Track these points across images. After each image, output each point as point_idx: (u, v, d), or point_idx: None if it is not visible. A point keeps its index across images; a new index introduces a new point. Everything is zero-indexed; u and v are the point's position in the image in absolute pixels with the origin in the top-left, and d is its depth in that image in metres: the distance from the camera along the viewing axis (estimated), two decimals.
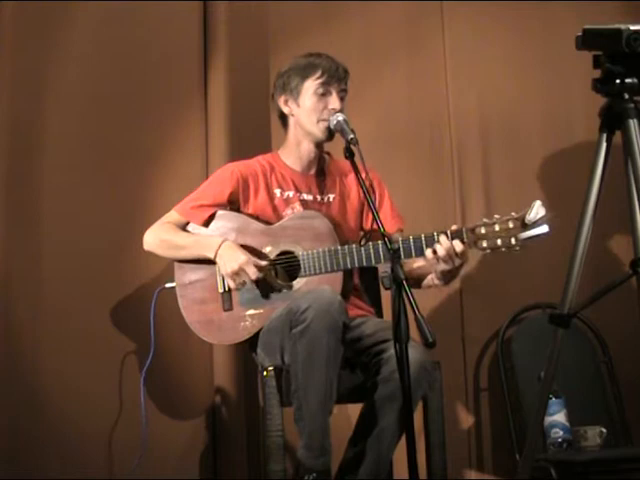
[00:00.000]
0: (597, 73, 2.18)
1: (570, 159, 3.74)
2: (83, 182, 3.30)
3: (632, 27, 2.07)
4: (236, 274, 2.79)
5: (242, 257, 2.80)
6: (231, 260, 2.80)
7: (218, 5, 3.61)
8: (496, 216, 2.63)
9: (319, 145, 2.96)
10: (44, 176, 3.24)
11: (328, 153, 3.01)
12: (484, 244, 2.63)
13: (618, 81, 2.13)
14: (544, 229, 2.55)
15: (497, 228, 2.61)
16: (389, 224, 2.92)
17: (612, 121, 2.17)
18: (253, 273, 2.78)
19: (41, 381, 3.14)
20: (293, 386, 2.63)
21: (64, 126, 3.29)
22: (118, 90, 3.41)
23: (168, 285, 2.99)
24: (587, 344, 3.61)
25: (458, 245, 2.63)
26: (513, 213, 2.60)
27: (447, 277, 2.76)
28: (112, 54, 3.41)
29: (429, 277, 2.83)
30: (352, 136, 2.69)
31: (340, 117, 2.82)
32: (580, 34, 2.15)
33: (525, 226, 2.57)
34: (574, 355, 3.47)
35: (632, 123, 2.13)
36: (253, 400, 3.24)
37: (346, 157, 2.69)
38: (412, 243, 2.67)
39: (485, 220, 2.64)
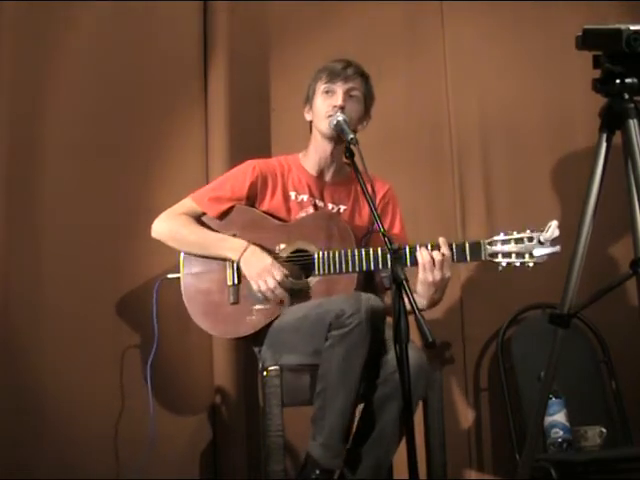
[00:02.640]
0: (597, 73, 2.18)
1: (570, 159, 3.74)
2: (83, 181, 3.31)
3: (632, 27, 2.07)
4: (262, 277, 2.80)
5: (267, 260, 2.82)
6: (257, 264, 2.82)
7: (218, 5, 3.61)
8: (513, 232, 2.74)
9: (335, 150, 2.95)
10: (45, 174, 3.24)
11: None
12: (499, 258, 2.73)
13: (618, 81, 2.13)
14: (557, 249, 2.70)
15: (513, 243, 2.73)
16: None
17: (612, 121, 2.17)
18: (278, 275, 2.80)
19: (41, 377, 3.13)
20: (320, 386, 2.64)
21: (64, 126, 3.29)
22: (118, 90, 3.41)
23: (170, 276, 3.00)
24: (587, 344, 3.60)
25: (437, 255, 2.71)
26: (528, 230, 2.73)
27: (427, 293, 2.74)
28: (112, 54, 3.42)
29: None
30: (352, 136, 2.71)
31: (340, 117, 2.84)
32: (580, 34, 2.15)
33: (540, 244, 2.69)
34: (574, 355, 3.47)
35: (632, 123, 2.13)
36: (253, 400, 3.24)
37: (346, 157, 2.73)
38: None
39: (502, 235, 2.75)
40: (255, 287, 2.83)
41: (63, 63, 3.32)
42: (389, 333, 2.34)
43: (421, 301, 2.74)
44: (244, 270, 2.85)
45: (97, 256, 3.28)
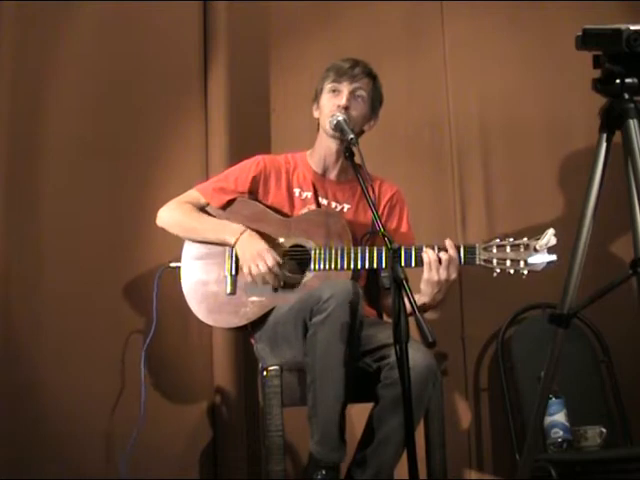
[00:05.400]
0: (597, 73, 2.18)
1: (570, 159, 3.74)
2: (84, 179, 3.32)
3: (632, 27, 2.06)
4: (254, 261, 2.81)
5: (262, 245, 2.83)
6: (251, 247, 2.84)
7: (218, 5, 3.61)
8: (509, 238, 2.73)
9: (339, 149, 2.94)
10: (45, 172, 3.25)
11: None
12: (494, 263, 2.72)
13: (618, 81, 2.13)
14: (553, 257, 2.68)
15: (508, 250, 2.72)
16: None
17: (612, 121, 2.16)
18: (270, 260, 2.80)
19: (40, 369, 3.14)
20: (309, 378, 2.64)
21: (64, 125, 3.30)
22: (118, 90, 3.42)
23: (172, 264, 3.04)
24: (587, 344, 3.60)
25: (443, 256, 2.70)
26: (525, 238, 2.71)
27: (431, 292, 2.74)
28: (112, 54, 3.42)
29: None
30: (352, 136, 2.72)
31: (340, 117, 2.84)
32: (580, 34, 2.15)
33: (536, 251, 2.67)
34: (574, 355, 3.47)
35: (632, 123, 2.12)
36: (253, 400, 3.25)
37: (345, 157, 2.75)
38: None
39: (497, 241, 2.73)
40: (246, 270, 2.84)
41: (63, 63, 3.32)
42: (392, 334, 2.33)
43: (423, 300, 2.74)
44: (238, 253, 2.87)
45: (99, 248, 3.30)
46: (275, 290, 2.85)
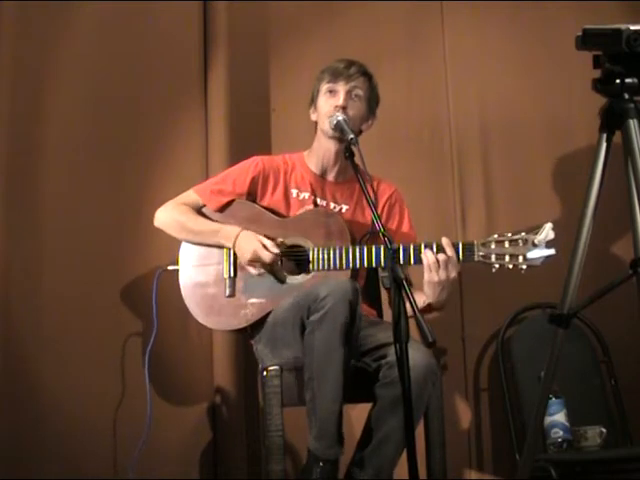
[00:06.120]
0: (597, 73, 2.18)
1: (570, 159, 3.74)
2: (84, 179, 3.32)
3: (632, 27, 2.07)
4: (252, 259, 2.83)
5: (257, 242, 2.84)
6: (248, 246, 2.84)
7: (218, 5, 3.61)
8: (507, 234, 2.72)
9: (338, 149, 2.94)
10: (45, 172, 3.26)
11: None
12: (492, 259, 2.72)
13: (618, 81, 2.13)
14: (551, 251, 2.67)
15: (507, 245, 2.71)
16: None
17: (612, 121, 2.17)
18: (267, 256, 2.82)
19: (40, 369, 3.14)
20: (307, 375, 2.63)
21: (64, 125, 3.30)
22: (118, 90, 3.42)
23: (170, 267, 3.03)
24: (587, 344, 3.60)
25: (441, 256, 2.70)
26: (523, 233, 2.70)
27: (434, 293, 2.75)
28: (112, 54, 3.42)
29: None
30: (352, 136, 2.72)
31: (340, 117, 2.84)
32: (580, 34, 2.15)
33: (534, 246, 2.66)
34: (574, 355, 3.47)
35: (632, 123, 2.13)
36: (253, 400, 3.25)
37: (345, 157, 2.75)
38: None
39: (496, 236, 2.73)
40: (251, 270, 2.86)
41: (63, 63, 3.33)
42: (392, 334, 2.33)
43: (428, 301, 2.75)
44: (237, 254, 2.89)
45: (98, 248, 3.30)
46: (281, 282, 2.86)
